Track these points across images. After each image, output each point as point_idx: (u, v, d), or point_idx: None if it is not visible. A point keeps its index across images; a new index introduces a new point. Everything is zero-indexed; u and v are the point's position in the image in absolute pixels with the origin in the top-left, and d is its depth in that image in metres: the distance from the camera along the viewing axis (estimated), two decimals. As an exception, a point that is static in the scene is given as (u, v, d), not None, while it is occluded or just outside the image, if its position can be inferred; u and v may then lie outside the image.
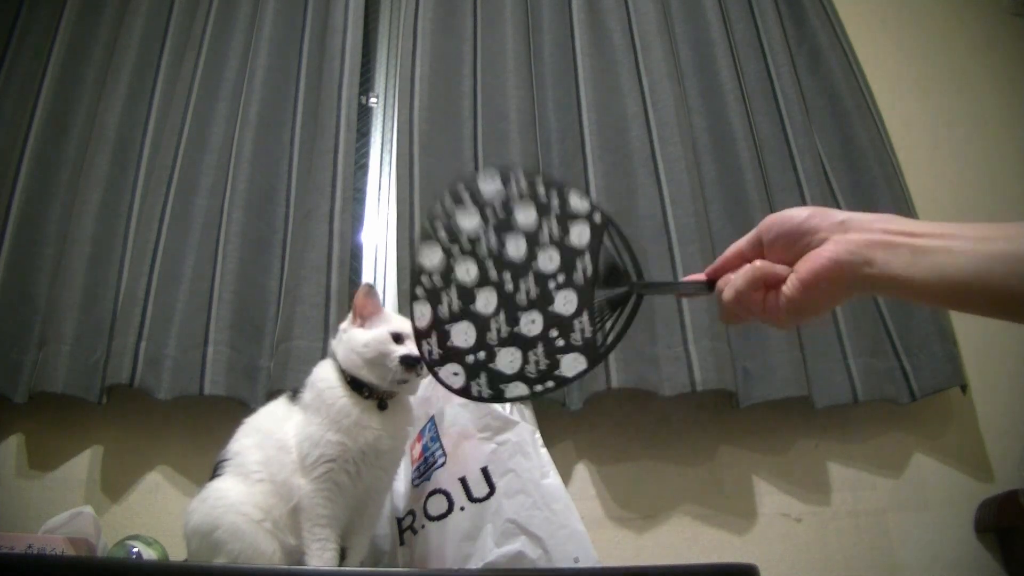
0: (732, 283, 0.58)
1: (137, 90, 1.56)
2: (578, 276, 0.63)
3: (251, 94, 1.54)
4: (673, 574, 0.98)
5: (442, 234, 0.64)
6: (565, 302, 0.63)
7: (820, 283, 0.53)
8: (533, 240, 0.64)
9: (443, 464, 1.06)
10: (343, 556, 0.94)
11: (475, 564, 0.99)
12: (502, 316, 0.63)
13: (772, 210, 1.47)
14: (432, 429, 1.11)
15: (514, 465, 1.04)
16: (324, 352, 1.30)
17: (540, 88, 1.61)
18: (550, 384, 0.61)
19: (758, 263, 0.57)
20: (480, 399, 0.62)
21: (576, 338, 0.62)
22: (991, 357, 1.51)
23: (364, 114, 1.74)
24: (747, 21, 1.70)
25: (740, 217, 1.48)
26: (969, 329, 1.47)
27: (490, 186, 0.65)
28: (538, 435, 1.09)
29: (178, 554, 1.07)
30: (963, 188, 1.69)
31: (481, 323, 0.62)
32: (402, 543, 1.09)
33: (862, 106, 1.62)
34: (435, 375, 0.62)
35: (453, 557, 1.00)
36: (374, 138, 1.75)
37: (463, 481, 1.04)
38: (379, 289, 1.58)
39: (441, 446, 1.08)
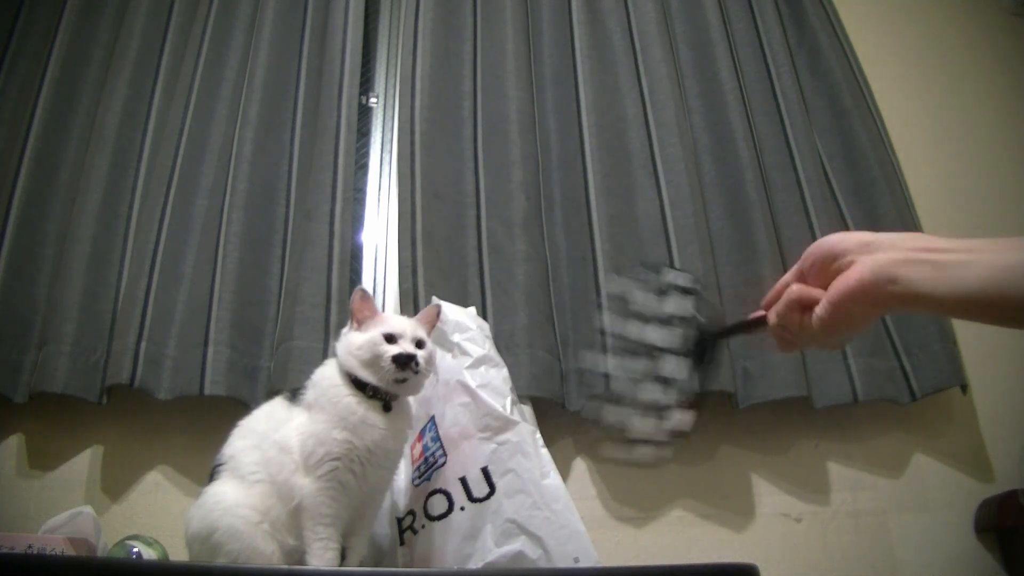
0: (774, 309, 0.62)
1: (137, 90, 1.56)
2: (679, 342, 0.71)
3: (251, 94, 1.54)
4: (673, 574, 0.98)
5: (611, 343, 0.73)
6: (678, 368, 0.70)
7: (847, 303, 0.55)
8: (657, 320, 0.72)
9: (444, 464, 1.06)
10: (343, 556, 0.94)
11: (475, 564, 0.99)
12: (647, 385, 0.70)
13: (772, 210, 1.48)
14: (432, 429, 1.11)
15: (514, 465, 1.04)
16: (324, 352, 1.30)
17: (540, 88, 1.61)
18: (675, 439, 0.69)
19: (794, 287, 0.60)
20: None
21: (682, 396, 0.69)
22: (991, 357, 1.51)
23: (364, 114, 1.74)
24: (747, 21, 1.70)
25: (740, 217, 1.48)
26: (969, 329, 1.47)
27: (641, 289, 0.74)
28: (538, 435, 1.09)
29: (178, 554, 1.07)
30: (963, 188, 1.69)
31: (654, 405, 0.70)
32: (402, 543, 1.09)
33: (862, 106, 1.62)
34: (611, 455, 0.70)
35: (453, 557, 1.00)
36: (374, 138, 1.75)
37: (463, 481, 1.04)
38: (379, 289, 1.59)
39: (442, 446, 1.08)
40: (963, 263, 0.49)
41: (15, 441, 1.36)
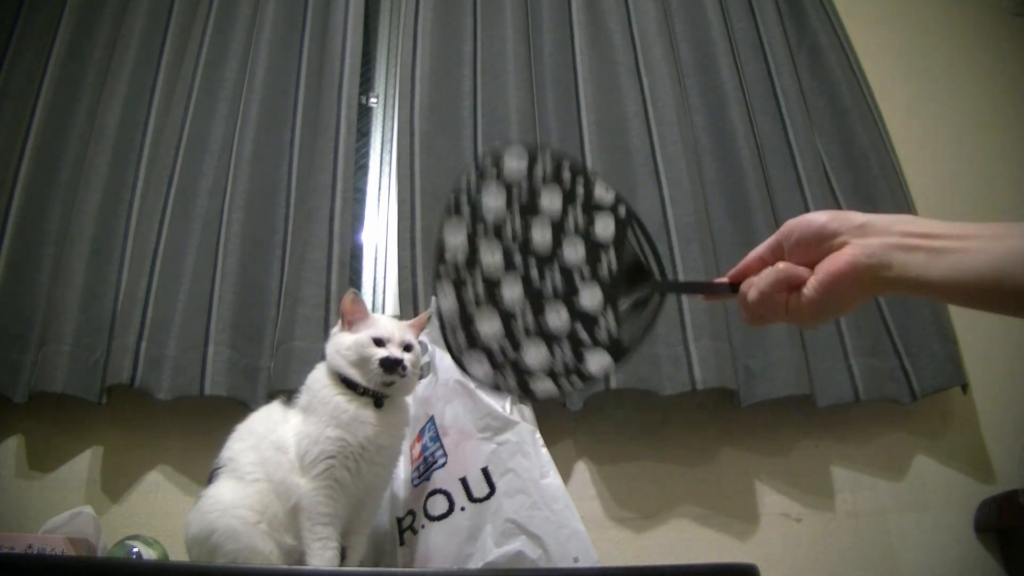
0: (756, 284, 0.59)
1: (137, 90, 1.56)
2: (603, 271, 0.61)
3: (251, 94, 1.54)
4: (673, 574, 0.98)
5: (466, 210, 0.60)
6: (591, 297, 0.60)
7: (839, 285, 0.54)
8: (559, 227, 0.61)
9: (444, 464, 1.06)
10: (343, 556, 0.94)
11: (475, 564, 0.99)
12: (528, 306, 0.59)
13: (773, 209, 1.48)
14: (432, 429, 1.11)
15: (514, 465, 1.04)
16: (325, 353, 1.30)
17: (540, 88, 1.61)
18: (576, 381, 0.59)
19: (781, 265, 0.58)
20: (508, 391, 0.60)
21: (601, 335, 0.60)
22: (991, 357, 1.51)
23: (364, 114, 1.74)
24: (747, 20, 1.70)
25: (740, 216, 1.48)
26: (970, 329, 1.47)
27: (516, 163, 0.62)
28: (538, 435, 1.09)
29: (178, 554, 1.07)
30: (963, 188, 1.69)
31: (507, 311, 0.59)
32: (402, 543, 1.09)
33: (862, 106, 1.62)
34: (460, 365, 0.59)
35: (453, 557, 1.01)
36: (374, 138, 1.75)
37: (464, 481, 1.04)
38: (379, 289, 1.59)
39: (442, 446, 1.08)
40: (958, 250, 0.49)
41: (15, 441, 1.36)
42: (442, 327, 0.59)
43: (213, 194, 1.47)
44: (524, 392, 0.59)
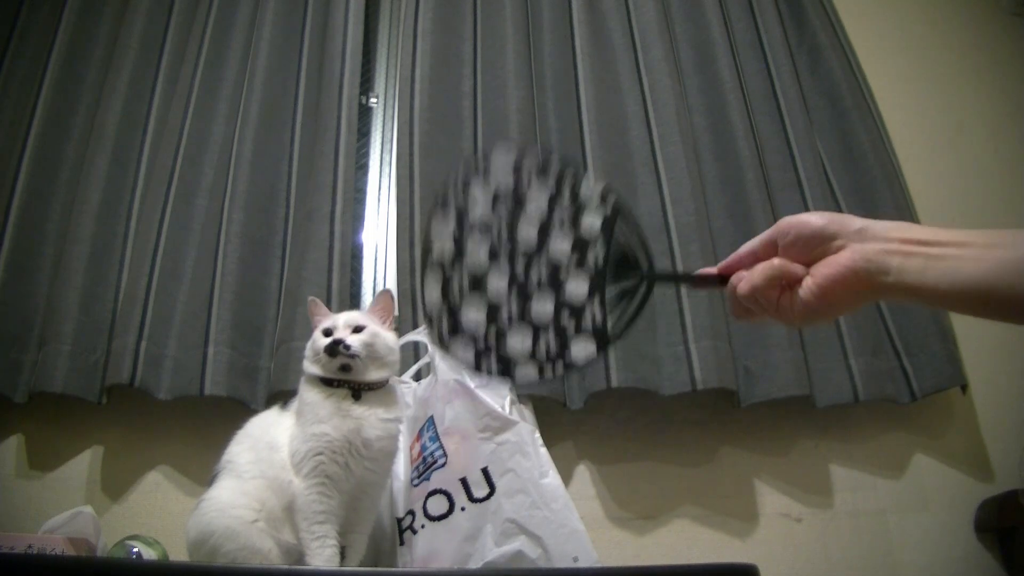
0: (749, 278, 0.59)
1: (137, 90, 1.56)
2: (590, 261, 0.62)
3: (251, 94, 1.54)
4: (673, 574, 0.98)
5: (454, 205, 0.62)
6: (577, 287, 0.62)
7: (836, 289, 0.54)
8: (546, 222, 0.63)
9: (443, 464, 1.06)
10: (342, 555, 0.94)
11: (475, 564, 0.99)
12: (514, 297, 0.61)
13: (773, 209, 1.48)
14: (431, 429, 1.11)
15: (514, 465, 1.04)
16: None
17: (540, 88, 1.61)
18: (559, 368, 0.61)
19: (777, 261, 0.58)
20: (489, 373, 0.61)
21: (587, 324, 0.61)
22: (991, 357, 1.51)
23: (364, 114, 1.74)
24: (747, 20, 1.70)
25: (740, 216, 1.48)
26: (969, 329, 1.47)
27: (505, 159, 0.63)
28: (538, 435, 1.09)
29: (178, 554, 1.07)
30: (963, 188, 1.69)
31: (492, 301, 0.61)
32: (402, 543, 1.09)
33: (862, 106, 1.62)
34: (444, 347, 0.61)
35: (453, 557, 1.01)
36: (374, 138, 1.75)
37: (464, 481, 1.04)
38: (379, 289, 1.59)
39: (441, 446, 1.08)
40: (956, 257, 0.50)
41: (15, 441, 1.36)
42: (427, 318, 0.61)
43: (213, 194, 1.47)
44: (506, 377, 0.61)
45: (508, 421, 1.07)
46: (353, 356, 0.97)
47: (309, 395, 0.99)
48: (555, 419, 1.34)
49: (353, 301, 1.50)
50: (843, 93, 1.64)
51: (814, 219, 0.57)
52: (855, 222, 0.55)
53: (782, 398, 1.35)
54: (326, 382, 0.99)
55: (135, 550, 1.05)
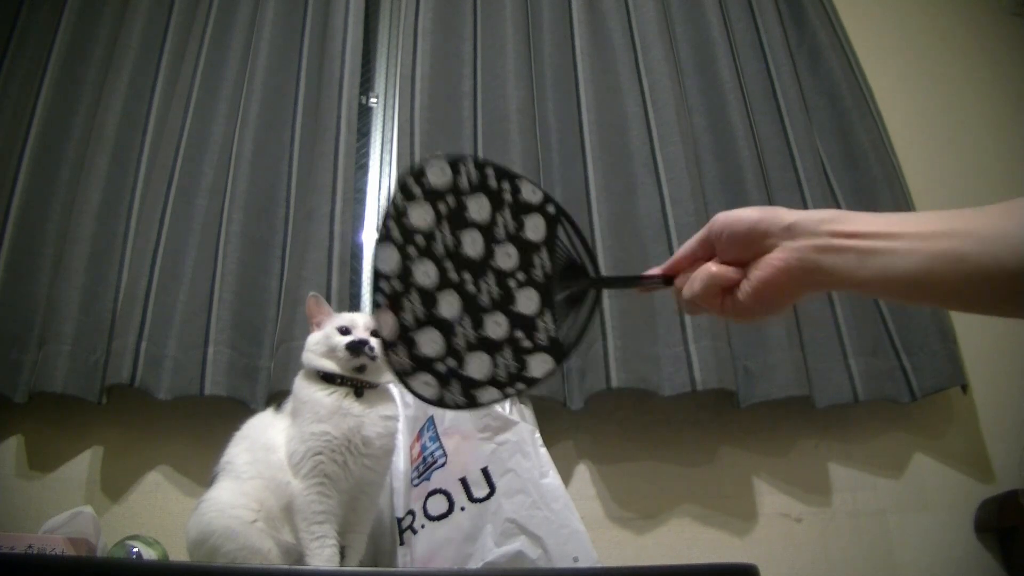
0: (689, 285, 0.60)
1: (137, 90, 1.56)
2: (537, 273, 0.62)
3: (251, 94, 1.54)
4: (673, 574, 0.98)
5: (396, 234, 0.60)
6: (527, 301, 0.61)
7: (772, 291, 0.55)
8: (489, 235, 0.62)
9: (443, 464, 1.06)
10: (342, 555, 0.94)
11: (475, 564, 0.99)
12: (467, 320, 0.60)
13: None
14: (431, 429, 1.11)
15: (514, 465, 1.04)
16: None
17: (540, 88, 1.61)
18: (520, 386, 0.60)
19: (714, 269, 0.58)
20: (456, 407, 0.60)
21: (541, 338, 0.61)
22: (991, 357, 1.51)
23: (364, 114, 1.74)
24: (747, 21, 1.70)
25: (740, 217, 1.48)
26: (970, 328, 1.47)
27: (440, 178, 0.62)
28: (538, 435, 1.09)
29: (178, 554, 1.07)
30: (963, 188, 1.69)
31: (447, 328, 0.60)
32: (402, 543, 1.09)
33: (862, 106, 1.62)
34: (407, 386, 0.59)
35: (453, 557, 1.01)
36: (374, 138, 1.75)
37: (464, 481, 1.04)
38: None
39: (441, 446, 1.08)
40: (887, 251, 0.49)
41: (15, 441, 1.36)
42: (385, 352, 0.59)
43: (213, 194, 1.47)
44: (471, 404, 0.60)
45: (508, 421, 1.07)
46: (374, 359, 0.98)
47: (307, 392, 0.98)
48: (555, 419, 1.34)
49: (353, 301, 1.50)
50: (843, 93, 1.64)
51: (746, 215, 0.57)
52: (785, 217, 0.55)
53: (782, 398, 1.35)
54: (328, 379, 0.99)
55: (135, 550, 1.05)
